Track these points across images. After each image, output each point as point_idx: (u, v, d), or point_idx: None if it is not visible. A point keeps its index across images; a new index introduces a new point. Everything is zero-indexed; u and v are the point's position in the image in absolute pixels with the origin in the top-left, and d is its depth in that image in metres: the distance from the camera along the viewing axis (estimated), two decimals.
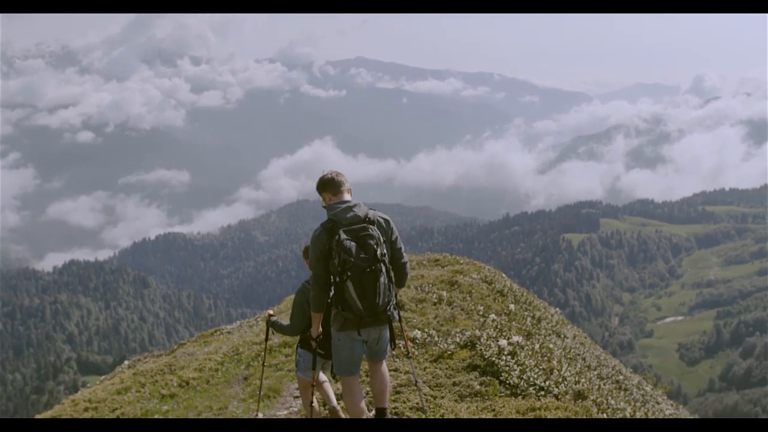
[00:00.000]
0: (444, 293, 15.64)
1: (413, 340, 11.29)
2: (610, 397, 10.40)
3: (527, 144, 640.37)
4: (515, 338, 10.49)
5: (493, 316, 13.51)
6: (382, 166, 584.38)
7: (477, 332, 10.94)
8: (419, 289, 16.48)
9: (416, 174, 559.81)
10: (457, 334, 11.28)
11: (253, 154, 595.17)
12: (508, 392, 8.79)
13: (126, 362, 19.14)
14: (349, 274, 5.85)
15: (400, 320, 6.73)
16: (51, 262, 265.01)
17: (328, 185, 6.44)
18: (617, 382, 15.30)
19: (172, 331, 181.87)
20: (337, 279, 5.98)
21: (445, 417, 7.49)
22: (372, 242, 5.94)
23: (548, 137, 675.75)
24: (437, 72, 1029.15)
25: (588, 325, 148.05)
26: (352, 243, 5.88)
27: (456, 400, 8.33)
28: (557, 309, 21.65)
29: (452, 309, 14.42)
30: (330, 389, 7.78)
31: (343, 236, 5.90)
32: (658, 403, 16.28)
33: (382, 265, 5.96)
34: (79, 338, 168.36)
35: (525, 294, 19.80)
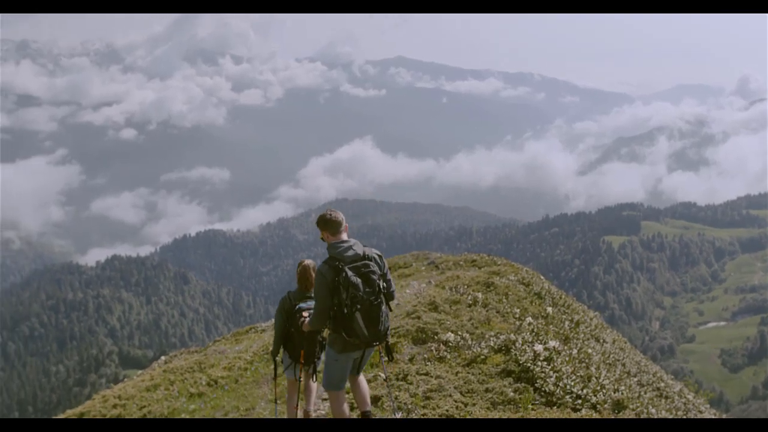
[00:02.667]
0: (479, 295, 15.32)
1: (446, 342, 11.00)
2: (651, 406, 9.99)
3: (568, 145, 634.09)
4: (552, 343, 10.09)
5: (529, 319, 13.16)
6: (421, 165, 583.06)
7: (512, 336, 10.60)
8: (454, 290, 16.17)
9: (455, 174, 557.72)
10: (492, 338, 10.97)
11: (292, 152, 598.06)
12: (543, 400, 8.43)
13: (163, 358, 19.14)
14: (358, 306, 6.68)
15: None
16: (94, 257, 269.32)
17: (329, 225, 7.09)
18: (658, 389, 14.81)
19: (211, 327, 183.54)
20: (345, 310, 6.73)
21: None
22: (375, 277, 6.80)
23: (589, 138, 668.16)
24: (477, 72, 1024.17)
25: (628, 329, 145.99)
26: (358, 279, 6.70)
27: (488, 408, 8.00)
28: (596, 312, 21.18)
29: (487, 311, 14.09)
30: (313, 395, 8.97)
31: (350, 273, 6.69)
32: (700, 412, 15.75)
33: (383, 296, 6.89)
34: (120, 332, 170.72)
35: (563, 297, 19.37)
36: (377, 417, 7.98)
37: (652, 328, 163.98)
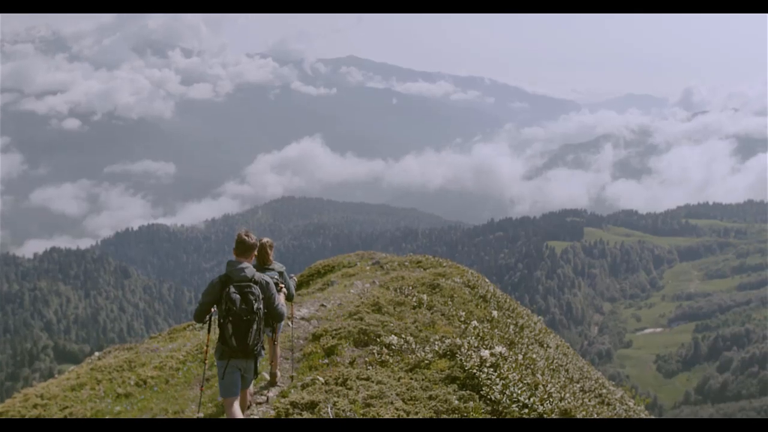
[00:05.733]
0: (425, 296, 14.97)
1: (389, 346, 10.58)
2: (595, 414, 9.76)
3: (516, 150, 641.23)
4: (498, 348, 9.74)
5: (475, 322, 12.83)
6: (370, 165, 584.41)
7: (458, 340, 10.22)
8: (399, 291, 15.80)
9: (404, 175, 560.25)
10: (437, 342, 10.59)
11: (240, 148, 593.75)
12: (489, 409, 8.07)
13: (96, 353, 18.31)
14: (230, 318, 7.52)
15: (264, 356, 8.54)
16: (32, 248, 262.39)
17: (238, 245, 8.00)
18: (600, 396, 14.70)
19: (151, 323, 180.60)
20: (221, 320, 7.64)
21: None
22: (252, 298, 7.57)
23: (537, 144, 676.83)
24: (428, 74, 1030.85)
25: (568, 334, 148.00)
26: (238, 296, 7.54)
27: (431, 417, 7.59)
28: (540, 317, 21.05)
29: (432, 314, 13.74)
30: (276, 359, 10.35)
31: (232, 290, 7.56)
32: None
33: (256, 316, 7.61)
34: (57, 326, 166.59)
35: (508, 300, 19.18)
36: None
37: (591, 333, 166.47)
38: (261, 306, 7.67)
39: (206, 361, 9.70)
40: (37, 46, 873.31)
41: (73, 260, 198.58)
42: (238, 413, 7.90)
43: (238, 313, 7.51)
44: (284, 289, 9.74)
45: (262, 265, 9.93)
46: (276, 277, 9.94)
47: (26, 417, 10.86)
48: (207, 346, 9.43)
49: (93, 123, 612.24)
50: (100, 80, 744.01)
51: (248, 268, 7.80)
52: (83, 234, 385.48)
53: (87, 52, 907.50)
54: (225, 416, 8.03)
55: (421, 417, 7.44)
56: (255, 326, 7.62)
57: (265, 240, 9.99)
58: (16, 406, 11.53)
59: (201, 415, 9.44)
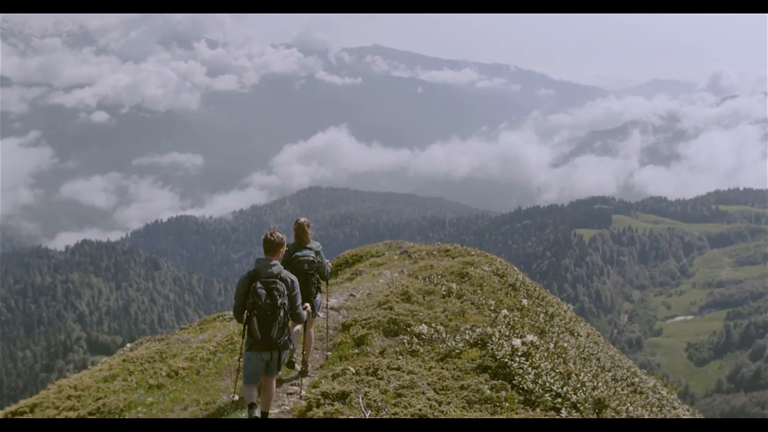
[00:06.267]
0: (454, 285, 14.90)
1: (419, 335, 10.54)
2: (628, 403, 9.65)
3: (542, 137, 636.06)
4: (529, 337, 9.64)
5: (505, 311, 12.75)
6: (396, 155, 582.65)
7: (488, 329, 10.15)
8: (428, 280, 15.74)
9: (430, 164, 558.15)
10: (467, 331, 10.53)
11: (266, 139, 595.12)
12: (522, 398, 7.98)
13: (128, 345, 18.48)
14: (255, 312, 8.02)
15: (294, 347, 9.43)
16: (63, 241, 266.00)
17: (264, 243, 8.52)
18: (632, 384, 14.59)
19: (181, 314, 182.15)
20: (247, 314, 8.14)
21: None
22: (277, 294, 8.06)
23: (564, 131, 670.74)
24: (453, 62, 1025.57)
25: (597, 322, 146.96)
26: (264, 291, 8.04)
27: (463, 407, 7.51)
28: (569, 305, 20.92)
29: (462, 303, 13.68)
30: (309, 344, 10.57)
31: (259, 285, 8.07)
32: (674, 408, 15.57)
33: (281, 311, 8.08)
34: (89, 318, 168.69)
35: (537, 288, 19.06)
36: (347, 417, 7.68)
37: (620, 321, 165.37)
38: (285, 301, 8.15)
39: (240, 351, 9.77)
40: (64, 40, 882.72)
41: (104, 252, 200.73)
42: (253, 396, 8.37)
43: (262, 308, 7.98)
44: (308, 307, 9.47)
45: (300, 244, 10.37)
46: (312, 255, 10.26)
47: (60, 408, 10.99)
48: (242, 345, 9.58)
49: (121, 116, 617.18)
50: (127, 73, 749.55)
51: (275, 265, 8.30)
52: (113, 226, 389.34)
53: (114, 45, 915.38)
54: (244, 395, 8.58)
55: (453, 407, 7.39)
56: (279, 320, 8.08)
57: (302, 220, 10.50)
58: (51, 397, 11.66)
59: (236, 398, 9.69)
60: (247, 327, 8.23)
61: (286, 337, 8.30)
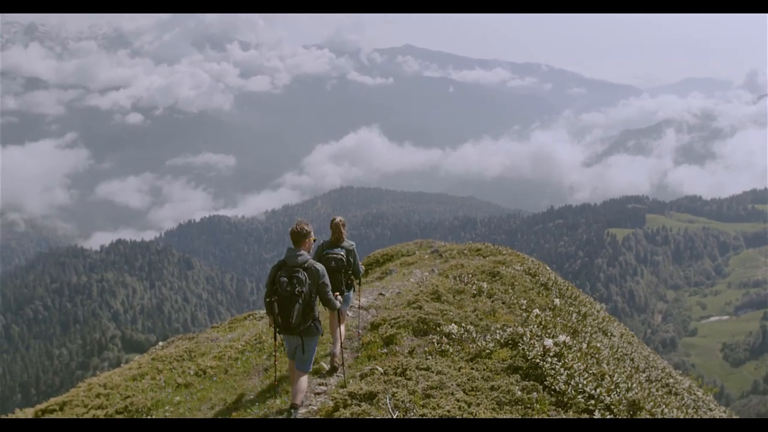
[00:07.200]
0: (485, 285, 14.72)
1: (448, 335, 10.38)
2: (663, 405, 9.39)
3: (575, 136, 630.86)
4: (562, 337, 9.42)
5: (536, 311, 12.55)
6: (427, 154, 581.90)
7: (519, 329, 9.96)
8: (458, 279, 15.58)
9: (461, 164, 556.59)
10: (498, 331, 10.35)
11: (298, 139, 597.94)
12: (554, 400, 7.78)
13: (160, 343, 18.57)
14: (276, 297, 8.44)
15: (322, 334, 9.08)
16: (98, 240, 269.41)
17: (291, 236, 8.79)
18: (667, 385, 14.28)
19: (214, 313, 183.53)
20: (268, 299, 8.59)
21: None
22: (296, 282, 8.35)
23: (596, 130, 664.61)
24: (484, 62, 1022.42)
25: (630, 322, 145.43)
26: (285, 279, 8.38)
27: (494, 409, 7.33)
28: (603, 305, 20.60)
29: (493, 302, 13.49)
30: (338, 337, 10.50)
31: (281, 273, 8.46)
32: (710, 409, 15.22)
33: (299, 298, 8.36)
34: (124, 316, 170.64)
35: (570, 288, 18.79)
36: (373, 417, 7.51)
37: (654, 321, 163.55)
38: (304, 290, 8.40)
39: (276, 348, 9.98)
40: (100, 43, 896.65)
41: (138, 252, 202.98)
42: (295, 376, 8.78)
43: (281, 294, 8.34)
44: (338, 296, 9.57)
45: (334, 242, 10.63)
46: (342, 254, 10.47)
47: (89, 406, 11.01)
48: (275, 346, 9.96)
49: (155, 117, 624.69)
50: (161, 75, 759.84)
51: (302, 255, 8.59)
52: (147, 226, 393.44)
53: (148, 47, 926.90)
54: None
55: (482, 408, 7.21)
56: (297, 307, 8.36)
57: (338, 219, 10.74)
58: (80, 395, 11.71)
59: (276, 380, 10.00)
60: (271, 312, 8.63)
61: (309, 324, 8.59)
